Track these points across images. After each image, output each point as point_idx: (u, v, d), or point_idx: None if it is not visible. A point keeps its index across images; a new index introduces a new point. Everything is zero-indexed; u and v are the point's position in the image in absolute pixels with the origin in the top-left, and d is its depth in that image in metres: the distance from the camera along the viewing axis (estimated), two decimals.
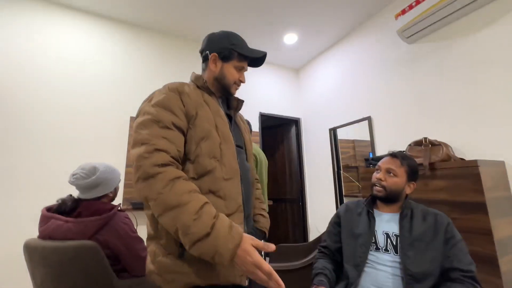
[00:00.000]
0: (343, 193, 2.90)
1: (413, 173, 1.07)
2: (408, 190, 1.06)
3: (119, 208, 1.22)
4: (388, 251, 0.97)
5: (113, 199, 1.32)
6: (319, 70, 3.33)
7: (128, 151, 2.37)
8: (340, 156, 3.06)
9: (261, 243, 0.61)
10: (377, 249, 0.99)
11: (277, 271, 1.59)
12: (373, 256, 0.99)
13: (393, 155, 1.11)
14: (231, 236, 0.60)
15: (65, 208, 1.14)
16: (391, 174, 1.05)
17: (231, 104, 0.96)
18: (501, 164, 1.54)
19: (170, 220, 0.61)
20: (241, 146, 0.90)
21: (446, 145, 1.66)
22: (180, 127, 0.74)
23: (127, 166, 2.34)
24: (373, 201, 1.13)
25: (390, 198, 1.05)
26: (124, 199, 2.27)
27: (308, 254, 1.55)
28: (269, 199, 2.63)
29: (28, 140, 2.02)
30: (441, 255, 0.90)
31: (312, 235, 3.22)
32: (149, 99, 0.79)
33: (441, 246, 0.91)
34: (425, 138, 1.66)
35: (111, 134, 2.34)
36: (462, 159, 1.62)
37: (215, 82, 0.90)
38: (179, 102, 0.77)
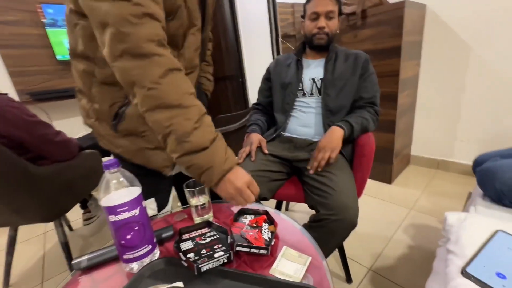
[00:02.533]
0: None
1: (341, 6, 0.98)
2: (338, 28, 1.00)
3: None
4: (313, 94, 1.01)
5: None
6: None
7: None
8: (279, 24, 2.80)
9: (252, 181, 0.58)
10: (304, 94, 1.02)
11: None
12: (301, 101, 1.03)
13: None
14: (227, 157, 0.56)
15: None
16: (331, 16, 0.94)
17: None
18: (422, 7, 1.58)
19: (165, 119, 0.51)
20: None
21: None
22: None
23: (2, 47, 1.71)
24: (303, 50, 1.08)
25: (330, 43, 0.99)
26: (19, 92, 1.80)
27: (244, 117, 1.61)
28: None
29: None
30: (355, 89, 0.98)
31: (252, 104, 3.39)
32: None
33: (357, 81, 0.97)
34: None
35: None
36: None
37: None
38: None
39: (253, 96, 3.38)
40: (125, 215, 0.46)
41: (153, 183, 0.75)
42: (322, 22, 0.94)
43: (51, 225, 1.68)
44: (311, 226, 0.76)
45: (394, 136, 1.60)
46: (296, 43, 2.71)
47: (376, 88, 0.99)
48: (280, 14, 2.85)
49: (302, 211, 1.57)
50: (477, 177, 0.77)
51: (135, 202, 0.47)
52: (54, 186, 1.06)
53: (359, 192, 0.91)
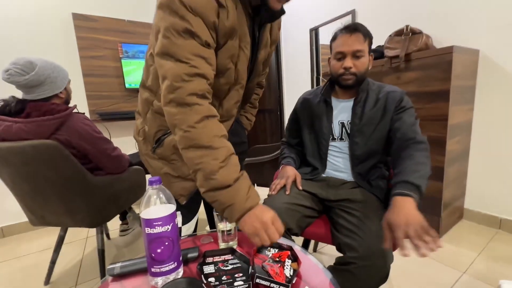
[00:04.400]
0: None
1: (371, 43, 0.93)
2: (370, 66, 0.94)
3: (75, 110, 1.14)
4: (343, 139, 0.98)
5: (66, 101, 1.21)
6: None
7: (81, 57, 2.08)
8: (321, 63, 2.91)
9: (277, 218, 0.59)
10: (334, 139, 0.99)
11: (251, 164, 1.75)
12: (332, 146, 1.00)
13: (351, 28, 0.88)
14: (249, 196, 0.59)
15: (10, 109, 1.04)
16: (358, 56, 0.88)
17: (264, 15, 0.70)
18: (475, 53, 1.51)
19: (196, 158, 0.59)
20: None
21: (427, 35, 1.56)
22: (213, 48, 0.62)
23: (85, 75, 2.10)
24: (331, 88, 1.02)
25: (359, 83, 0.93)
26: (91, 112, 2.15)
27: (277, 150, 1.65)
28: None
29: None
30: (387, 130, 0.90)
31: None
32: None
33: (389, 122, 0.89)
34: (407, 26, 1.53)
35: (52, 38, 1.97)
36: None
37: None
38: (215, 18, 0.59)
39: None
40: (159, 229, 0.51)
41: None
42: (348, 62, 0.88)
43: (92, 231, 1.86)
44: (336, 269, 0.71)
45: (442, 185, 1.45)
46: None
47: (414, 120, 0.87)
48: (323, 55, 2.96)
49: (331, 254, 1.45)
50: None
51: (169, 218, 0.52)
52: (104, 195, 1.20)
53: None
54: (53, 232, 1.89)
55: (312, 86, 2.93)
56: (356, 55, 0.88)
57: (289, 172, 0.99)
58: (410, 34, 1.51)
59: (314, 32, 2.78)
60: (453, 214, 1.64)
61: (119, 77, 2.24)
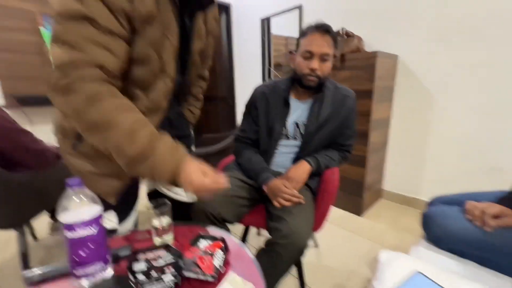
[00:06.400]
0: None
1: (336, 48, 0.93)
2: (330, 72, 0.95)
3: None
4: (296, 138, 1.02)
5: None
6: None
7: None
8: (272, 53, 2.97)
9: (209, 170, 0.60)
10: (287, 138, 1.02)
11: (199, 156, 1.75)
12: (282, 145, 1.03)
13: (323, 29, 0.88)
14: (171, 157, 0.58)
15: None
16: (325, 59, 0.89)
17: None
18: (394, 57, 1.76)
19: (99, 141, 0.57)
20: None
21: (359, 38, 1.75)
22: (122, 35, 0.57)
23: None
24: (290, 85, 1.01)
25: (321, 85, 0.95)
26: (6, 95, 1.81)
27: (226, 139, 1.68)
28: None
29: None
30: (335, 133, 1.01)
31: None
32: None
33: (337, 125, 1.00)
34: (343, 29, 1.68)
35: None
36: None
37: None
38: (125, 2, 0.55)
39: (240, 118, 3.47)
40: (82, 233, 0.49)
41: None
42: (315, 63, 0.88)
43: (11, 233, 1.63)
44: (264, 250, 0.81)
45: (364, 171, 1.70)
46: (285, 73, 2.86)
47: (354, 134, 1.05)
48: (274, 45, 3.02)
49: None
50: (421, 220, 0.85)
51: (93, 221, 0.51)
52: (25, 193, 1.06)
53: (318, 224, 0.96)
54: None
55: (263, 76, 2.99)
56: (323, 58, 0.89)
57: (281, 187, 0.91)
58: (345, 36, 1.67)
59: (266, 21, 2.81)
60: (374, 195, 1.95)
61: (41, 55, 1.92)
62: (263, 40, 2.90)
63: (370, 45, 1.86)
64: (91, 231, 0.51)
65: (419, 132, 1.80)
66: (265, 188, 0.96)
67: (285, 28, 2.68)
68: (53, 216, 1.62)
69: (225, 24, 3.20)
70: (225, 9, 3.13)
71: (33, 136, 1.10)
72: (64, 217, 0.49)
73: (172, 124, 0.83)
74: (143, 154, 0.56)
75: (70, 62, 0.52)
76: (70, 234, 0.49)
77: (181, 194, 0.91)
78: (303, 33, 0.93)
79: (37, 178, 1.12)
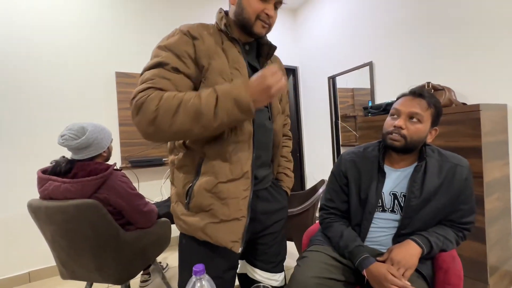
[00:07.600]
0: (340, 143, 2.93)
1: (438, 117, 0.86)
2: (429, 139, 0.87)
3: (115, 168, 1.23)
4: (394, 212, 0.90)
5: (107, 158, 1.31)
6: (317, 10, 3.00)
7: (119, 109, 2.29)
8: (339, 106, 3.00)
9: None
10: (383, 210, 0.91)
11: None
12: (378, 218, 0.92)
13: (417, 93, 0.84)
14: (236, 87, 0.61)
15: (60, 169, 1.14)
16: (414, 120, 0.82)
17: (262, 51, 0.83)
18: (503, 108, 1.50)
19: (181, 120, 0.61)
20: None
21: (449, 90, 1.59)
22: (187, 74, 0.69)
23: (121, 125, 2.29)
24: (384, 152, 0.94)
25: (408, 149, 0.86)
26: (123, 158, 2.29)
27: (304, 201, 1.63)
28: None
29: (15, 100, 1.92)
30: (445, 210, 0.86)
31: (309, 183, 3.37)
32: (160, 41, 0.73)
33: (448, 202, 0.85)
34: (428, 83, 1.57)
35: (97, 91, 2.22)
36: (464, 103, 1.56)
37: (237, 21, 0.75)
38: (189, 48, 0.69)
39: (308, 171, 3.40)
40: None
41: (218, 265, 0.74)
42: (400, 121, 0.83)
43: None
44: None
45: (485, 248, 1.33)
46: (356, 125, 2.77)
47: (473, 209, 0.87)
48: (340, 98, 3.05)
49: None
50: None
51: None
52: (133, 250, 1.22)
53: None
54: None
55: (332, 129, 2.97)
56: (411, 117, 0.83)
57: (387, 276, 0.75)
58: (432, 90, 1.54)
59: (332, 80, 2.92)
60: (503, 279, 1.47)
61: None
62: (330, 96, 2.97)
63: (463, 96, 1.66)
64: None
65: None
66: (365, 273, 0.82)
67: (353, 82, 2.71)
68: (145, 269, 1.79)
69: (293, 84, 3.46)
70: (292, 72, 3.43)
71: (145, 199, 1.31)
72: None
73: (264, 197, 0.83)
74: (213, 103, 0.60)
75: (144, 89, 0.63)
76: None
77: (271, 279, 0.87)
78: (396, 98, 0.93)
79: (144, 236, 1.28)
